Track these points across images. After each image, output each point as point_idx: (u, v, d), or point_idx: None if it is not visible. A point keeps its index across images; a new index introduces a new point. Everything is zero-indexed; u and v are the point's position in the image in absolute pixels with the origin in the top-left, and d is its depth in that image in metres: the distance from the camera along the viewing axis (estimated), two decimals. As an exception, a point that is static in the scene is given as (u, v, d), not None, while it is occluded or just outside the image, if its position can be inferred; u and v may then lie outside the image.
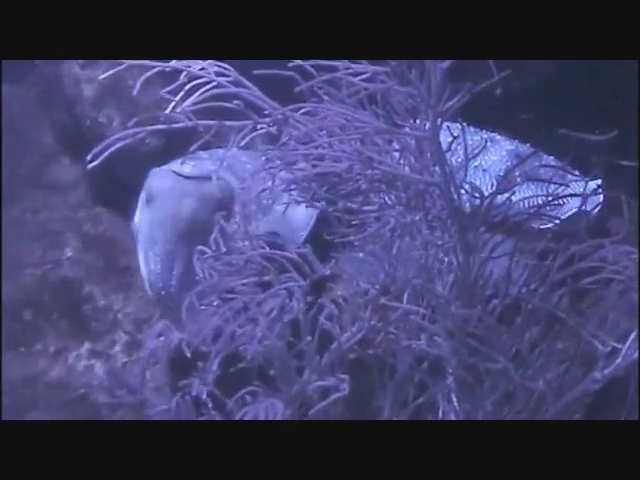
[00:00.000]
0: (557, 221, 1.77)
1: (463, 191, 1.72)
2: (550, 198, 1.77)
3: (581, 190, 1.95)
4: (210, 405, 1.68)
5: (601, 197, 1.98)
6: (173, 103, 1.82)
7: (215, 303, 1.68)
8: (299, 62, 1.78)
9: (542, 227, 1.80)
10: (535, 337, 1.70)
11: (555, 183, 1.80)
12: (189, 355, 1.66)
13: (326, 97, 1.81)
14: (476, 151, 1.83)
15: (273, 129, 1.87)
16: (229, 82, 1.91)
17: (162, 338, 1.68)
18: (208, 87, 1.96)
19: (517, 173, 2.08)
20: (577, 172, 1.96)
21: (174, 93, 1.85)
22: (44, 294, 2.37)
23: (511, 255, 1.67)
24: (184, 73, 1.85)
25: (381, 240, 1.74)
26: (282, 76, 1.79)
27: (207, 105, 1.88)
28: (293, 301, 1.67)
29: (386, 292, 1.79)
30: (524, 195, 2.01)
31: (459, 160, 1.88)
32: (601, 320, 1.67)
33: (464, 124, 1.81)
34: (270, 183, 1.78)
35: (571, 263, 1.71)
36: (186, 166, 2.13)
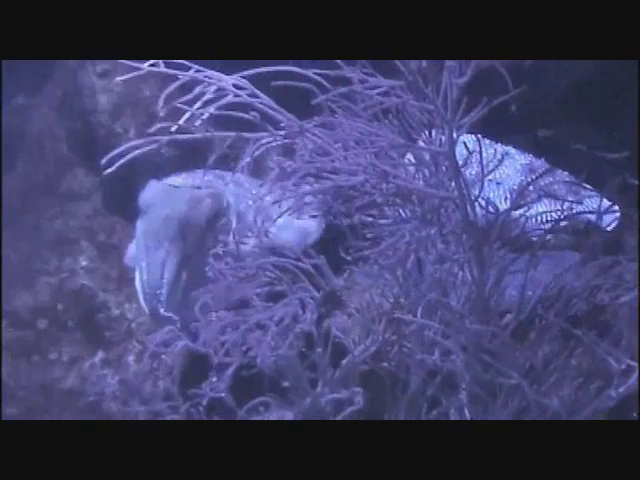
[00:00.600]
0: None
1: (478, 206, 1.72)
2: (564, 215, 1.77)
3: (595, 206, 1.94)
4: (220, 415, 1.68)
5: (616, 213, 1.97)
6: (188, 114, 1.83)
7: (225, 313, 1.68)
8: (314, 73, 1.79)
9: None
10: (549, 353, 1.70)
11: (569, 201, 1.79)
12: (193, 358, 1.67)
13: (340, 110, 1.81)
14: (491, 165, 1.83)
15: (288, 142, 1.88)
16: (245, 94, 1.92)
17: (167, 343, 1.68)
18: (225, 100, 1.98)
19: (531, 188, 2.08)
20: (591, 187, 1.96)
21: (190, 104, 1.86)
22: (59, 303, 2.38)
23: (526, 271, 1.67)
24: (201, 85, 1.86)
25: (396, 254, 1.74)
26: (297, 87, 1.80)
27: (223, 116, 1.90)
28: (306, 312, 1.68)
29: (400, 306, 1.79)
30: (538, 210, 2.01)
31: (473, 173, 1.88)
32: (616, 337, 1.66)
33: (479, 137, 1.81)
34: (284, 194, 1.79)
35: (586, 280, 1.71)
36: (180, 178, 2.14)
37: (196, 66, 1.77)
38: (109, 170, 1.71)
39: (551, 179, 2.10)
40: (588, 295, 1.74)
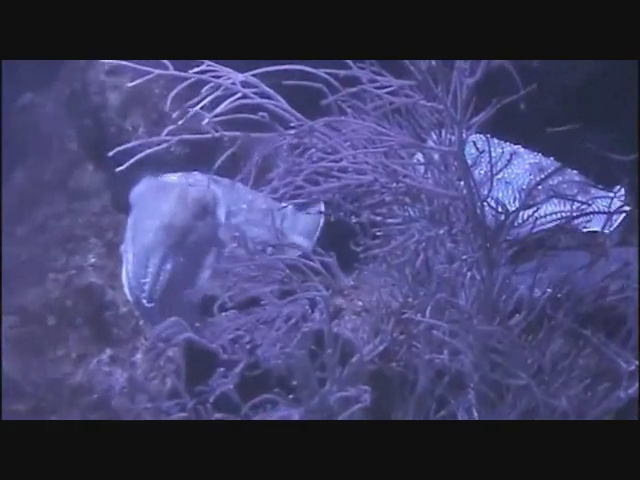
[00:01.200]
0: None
1: (487, 205, 1.72)
2: (574, 215, 1.77)
3: (605, 205, 1.94)
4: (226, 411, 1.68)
5: (624, 212, 1.96)
6: (194, 110, 1.82)
7: (233, 310, 1.68)
8: (324, 73, 1.79)
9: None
10: (557, 353, 1.69)
11: (579, 201, 1.79)
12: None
13: (350, 109, 1.81)
14: (500, 164, 1.83)
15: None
16: (255, 93, 1.92)
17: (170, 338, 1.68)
18: (234, 98, 1.98)
19: (540, 188, 2.08)
20: (601, 187, 1.96)
21: (200, 103, 1.86)
22: (67, 300, 2.39)
23: (535, 271, 1.67)
24: (210, 84, 1.86)
25: (405, 253, 1.74)
26: (306, 87, 1.80)
27: (233, 116, 1.90)
28: (315, 311, 1.68)
29: (408, 305, 1.79)
30: (547, 210, 2.00)
31: (482, 172, 1.88)
32: (625, 338, 1.66)
33: (488, 137, 1.81)
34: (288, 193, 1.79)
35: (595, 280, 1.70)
36: (175, 176, 2.15)
37: (207, 61, 1.77)
38: (120, 168, 1.72)
39: (560, 178, 2.10)
40: (597, 296, 1.73)
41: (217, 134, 1.82)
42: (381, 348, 1.78)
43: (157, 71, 1.75)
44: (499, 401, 1.67)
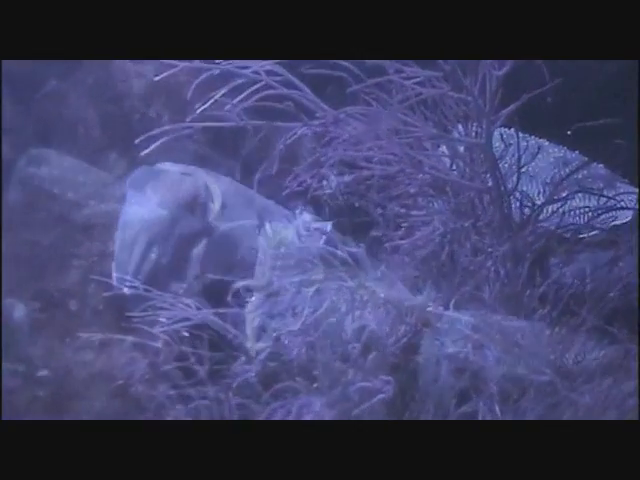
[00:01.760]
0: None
1: (514, 199, 1.70)
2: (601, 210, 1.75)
3: (631, 200, 1.92)
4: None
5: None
6: (217, 96, 1.82)
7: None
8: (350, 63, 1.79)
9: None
10: (582, 349, 1.68)
11: (605, 196, 1.78)
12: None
13: (375, 101, 1.81)
14: (525, 158, 1.81)
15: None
16: (279, 82, 1.92)
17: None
18: (258, 86, 1.98)
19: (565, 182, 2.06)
20: (627, 181, 1.94)
21: (224, 93, 1.86)
22: (89, 286, 2.39)
23: (562, 264, 1.66)
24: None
25: (429, 245, 1.73)
26: (332, 77, 1.79)
27: (257, 103, 1.89)
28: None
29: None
30: (573, 204, 1.99)
31: (506, 166, 1.87)
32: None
33: (514, 130, 1.80)
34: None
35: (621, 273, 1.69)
36: (169, 164, 2.15)
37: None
38: (145, 152, 1.72)
39: (586, 172, 2.08)
40: (622, 291, 1.72)
41: (241, 123, 1.82)
42: (404, 340, 1.77)
43: (182, 63, 1.75)
44: (521, 397, 1.65)
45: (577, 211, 1.98)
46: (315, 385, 1.71)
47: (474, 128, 1.84)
